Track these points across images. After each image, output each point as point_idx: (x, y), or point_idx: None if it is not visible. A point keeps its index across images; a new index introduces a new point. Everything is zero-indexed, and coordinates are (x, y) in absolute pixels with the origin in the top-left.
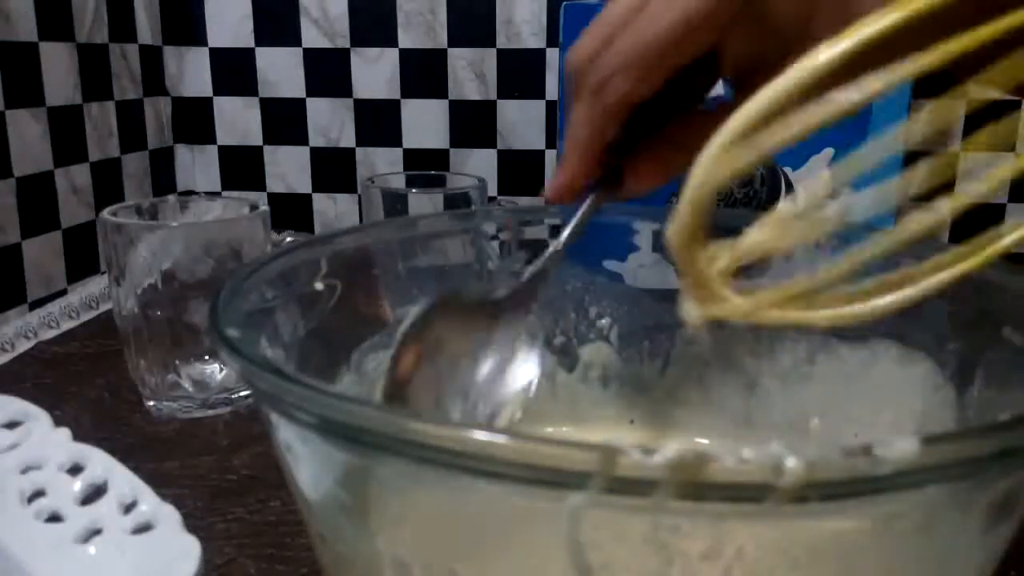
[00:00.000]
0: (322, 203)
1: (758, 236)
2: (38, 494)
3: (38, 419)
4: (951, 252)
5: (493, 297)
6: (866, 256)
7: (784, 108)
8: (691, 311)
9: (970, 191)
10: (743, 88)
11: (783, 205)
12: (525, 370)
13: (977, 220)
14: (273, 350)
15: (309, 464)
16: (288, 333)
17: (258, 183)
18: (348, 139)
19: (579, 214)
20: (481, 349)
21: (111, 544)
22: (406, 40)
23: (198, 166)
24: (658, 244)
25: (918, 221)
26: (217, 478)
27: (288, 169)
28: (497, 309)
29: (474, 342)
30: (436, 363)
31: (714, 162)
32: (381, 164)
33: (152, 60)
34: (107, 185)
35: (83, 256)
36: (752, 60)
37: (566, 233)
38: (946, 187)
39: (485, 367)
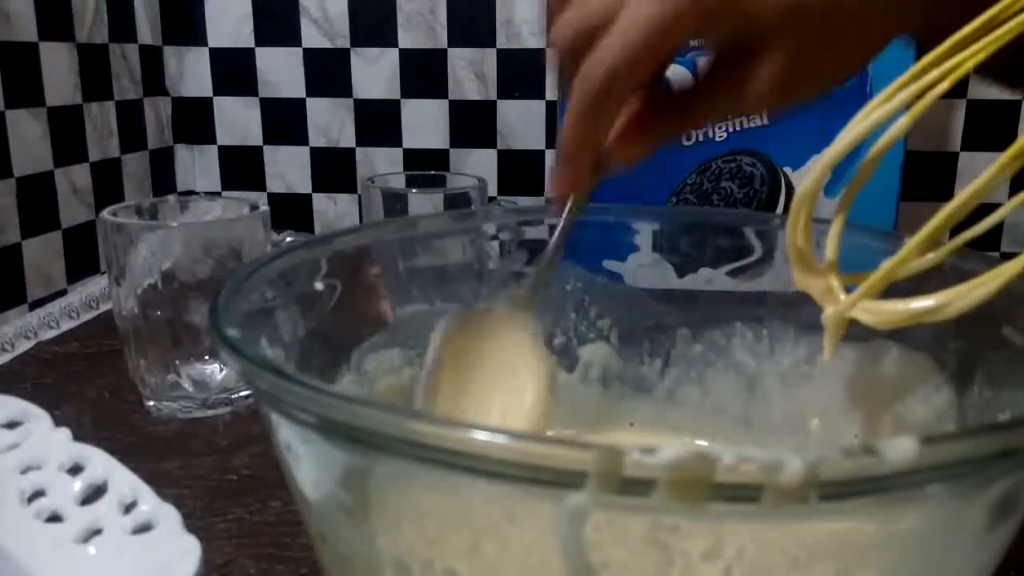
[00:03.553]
0: (322, 203)
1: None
2: (38, 494)
3: (38, 419)
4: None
5: (499, 311)
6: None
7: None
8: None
9: None
10: (729, 63)
11: None
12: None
13: (977, 220)
14: (273, 350)
15: (309, 464)
16: (288, 333)
17: (258, 183)
18: (348, 139)
19: (565, 215)
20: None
21: (111, 544)
22: (406, 40)
23: (198, 166)
24: (658, 244)
25: None
26: (217, 478)
27: (288, 169)
28: (506, 323)
29: (492, 353)
30: (462, 375)
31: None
32: (381, 164)
33: (152, 60)
34: (107, 185)
35: (83, 256)
36: (734, 42)
37: (556, 236)
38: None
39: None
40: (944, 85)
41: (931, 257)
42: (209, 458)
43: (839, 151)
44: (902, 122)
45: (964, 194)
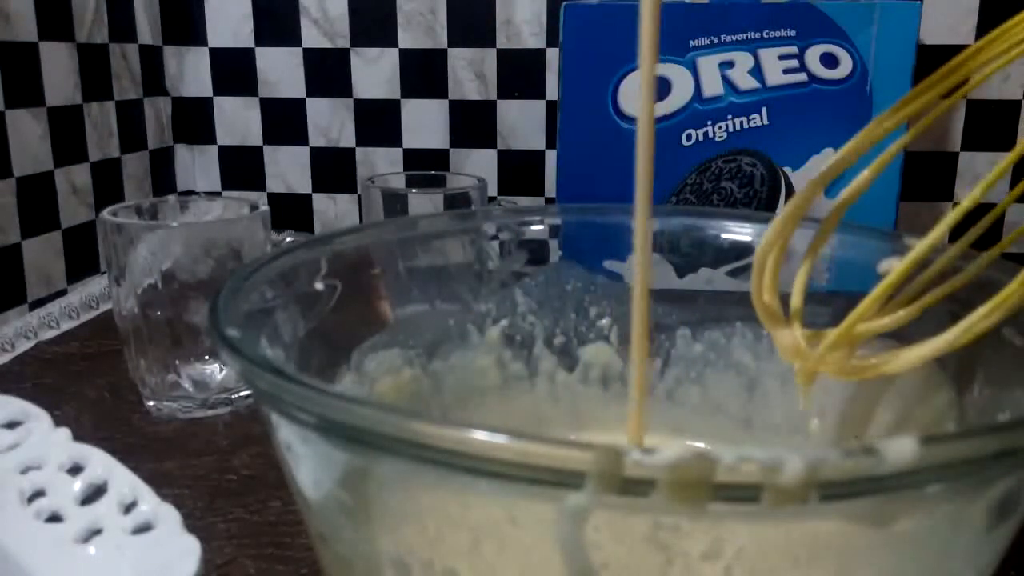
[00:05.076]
0: (322, 203)
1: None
2: (38, 494)
3: (38, 419)
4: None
5: None
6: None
7: None
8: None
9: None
10: None
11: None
12: None
13: (976, 220)
14: (273, 350)
15: (309, 464)
16: (288, 333)
17: (258, 183)
18: (348, 139)
19: None
20: None
21: (111, 544)
22: (406, 40)
23: (198, 166)
24: (658, 244)
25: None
26: (217, 478)
27: (288, 169)
28: None
29: None
30: None
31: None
32: (381, 164)
33: (152, 60)
34: (107, 185)
35: (83, 256)
36: None
37: None
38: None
39: None
40: (905, 139)
41: (902, 315)
42: (209, 458)
43: (805, 198)
44: (864, 175)
45: (932, 235)
